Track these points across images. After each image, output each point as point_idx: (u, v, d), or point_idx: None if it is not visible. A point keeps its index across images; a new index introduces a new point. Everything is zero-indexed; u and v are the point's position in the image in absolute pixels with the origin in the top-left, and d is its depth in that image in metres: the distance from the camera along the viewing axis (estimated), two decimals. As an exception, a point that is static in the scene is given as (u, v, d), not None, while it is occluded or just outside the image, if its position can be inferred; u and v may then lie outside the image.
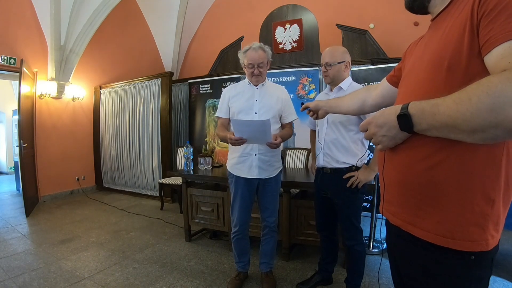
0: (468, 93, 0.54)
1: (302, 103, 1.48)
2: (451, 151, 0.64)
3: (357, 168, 1.70)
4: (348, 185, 1.67)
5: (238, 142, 1.70)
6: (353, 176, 1.67)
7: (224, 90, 1.98)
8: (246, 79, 1.92)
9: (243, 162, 1.87)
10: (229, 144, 1.97)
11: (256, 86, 1.89)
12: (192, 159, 2.92)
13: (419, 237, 0.71)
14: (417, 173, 0.70)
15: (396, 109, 0.66)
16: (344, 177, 1.69)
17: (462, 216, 0.64)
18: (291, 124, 1.98)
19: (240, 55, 1.87)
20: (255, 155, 1.85)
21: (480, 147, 0.61)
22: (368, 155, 1.81)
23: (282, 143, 1.87)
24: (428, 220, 0.68)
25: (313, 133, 2.05)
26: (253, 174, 1.86)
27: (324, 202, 1.85)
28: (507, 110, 0.49)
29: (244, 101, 1.87)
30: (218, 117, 1.96)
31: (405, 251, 0.78)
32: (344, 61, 1.71)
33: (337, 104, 1.26)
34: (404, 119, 0.64)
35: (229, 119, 1.93)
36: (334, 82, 1.76)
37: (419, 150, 0.68)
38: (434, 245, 0.68)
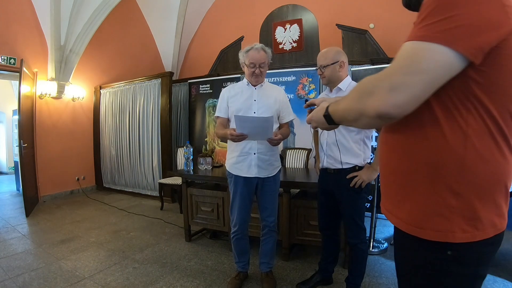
0: (351, 91, 0.69)
1: (306, 100, 1.46)
2: (414, 142, 0.67)
3: (360, 168, 1.71)
4: (351, 185, 1.68)
5: (239, 138, 1.70)
6: (356, 176, 1.68)
7: (223, 90, 1.99)
8: (245, 80, 1.93)
9: (242, 161, 1.88)
10: (228, 143, 1.98)
11: (254, 86, 1.90)
12: (192, 159, 2.92)
13: (396, 226, 0.74)
14: (391, 162, 0.75)
15: (323, 109, 0.82)
16: (347, 177, 1.70)
17: (427, 206, 0.65)
18: (288, 124, 1.99)
19: (241, 54, 1.87)
20: (254, 154, 1.86)
21: (440, 139, 0.63)
22: (370, 154, 1.81)
23: (282, 143, 1.88)
24: (402, 209, 0.71)
25: (316, 133, 2.05)
26: (252, 173, 1.87)
27: (327, 202, 1.86)
28: (363, 101, 0.61)
29: (243, 101, 1.88)
30: (217, 117, 1.97)
31: (396, 242, 0.81)
32: (337, 61, 1.71)
33: None
34: (328, 118, 0.80)
35: (228, 119, 1.94)
36: (331, 83, 1.77)
37: (393, 142, 0.74)
38: (410, 235, 0.69)
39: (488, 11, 0.54)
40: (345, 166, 1.72)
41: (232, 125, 1.87)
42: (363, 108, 0.61)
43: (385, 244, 2.66)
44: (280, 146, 1.95)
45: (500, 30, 0.54)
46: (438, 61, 0.55)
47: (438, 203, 0.64)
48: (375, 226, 2.74)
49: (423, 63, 0.55)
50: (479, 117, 0.60)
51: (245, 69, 1.87)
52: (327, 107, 0.81)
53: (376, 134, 2.11)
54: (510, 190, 0.66)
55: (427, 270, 0.68)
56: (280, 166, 2.02)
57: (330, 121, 0.79)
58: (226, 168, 1.99)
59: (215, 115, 1.99)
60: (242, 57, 1.87)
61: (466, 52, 0.55)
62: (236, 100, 1.90)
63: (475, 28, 0.54)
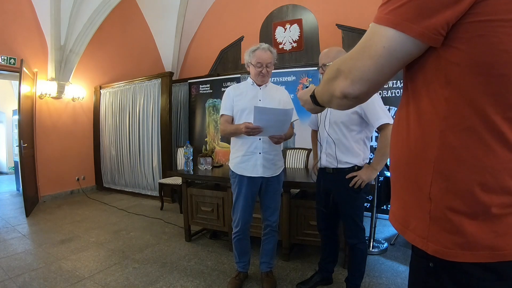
0: (324, 74, 0.72)
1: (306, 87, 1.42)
2: (399, 136, 0.64)
3: (359, 168, 1.70)
4: (351, 185, 1.68)
5: (254, 131, 1.70)
6: (356, 176, 1.68)
7: (227, 90, 1.98)
8: (249, 79, 1.94)
9: (247, 161, 1.88)
10: (232, 143, 1.98)
11: (259, 86, 1.91)
12: (192, 159, 2.92)
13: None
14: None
15: (310, 90, 0.85)
16: (346, 177, 1.70)
17: (409, 206, 0.61)
18: (292, 124, 1.99)
19: (247, 54, 1.88)
20: (260, 153, 1.86)
21: (412, 135, 0.58)
22: (369, 154, 1.81)
23: (282, 143, 1.91)
24: (393, 204, 0.69)
25: (314, 133, 2.06)
26: (258, 172, 1.87)
27: (326, 202, 1.85)
28: (332, 83, 0.64)
29: (248, 101, 1.88)
30: (222, 115, 1.95)
31: None
32: None
33: None
34: (313, 99, 0.83)
35: (233, 118, 1.94)
36: None
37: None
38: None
39: None
40: (344, 166, 1.71)
41: (238, 123, 1.87)
42: (333, 90, 0.63)
43: (385, 244, 2.66)
44: (280, 146, 1.96)
45: (459, 3, 0.44)
46: (386, 46, 0.51)
47: (416, 205, 0.58)
48: (375, 226, 2.74)
49: (372, 48, 0.53)
50: (455, 110, 0.50)
51: (251, 69, 1.88)
52: (314, 90, 0.85)
53: (376, 134, 2.11)
54: None
55: (417, 273, 0.64)
56: (283, 166, 2.03)
57: (316, 102, 0.82)
58: (230, 167, 1.98)
59: (220, 113, 1.98)
60: (248, 56, 1.87)
61: (416, 34, 0.48)
62: (241, 99, 1.90)
63: (425, 3, 0.46)
